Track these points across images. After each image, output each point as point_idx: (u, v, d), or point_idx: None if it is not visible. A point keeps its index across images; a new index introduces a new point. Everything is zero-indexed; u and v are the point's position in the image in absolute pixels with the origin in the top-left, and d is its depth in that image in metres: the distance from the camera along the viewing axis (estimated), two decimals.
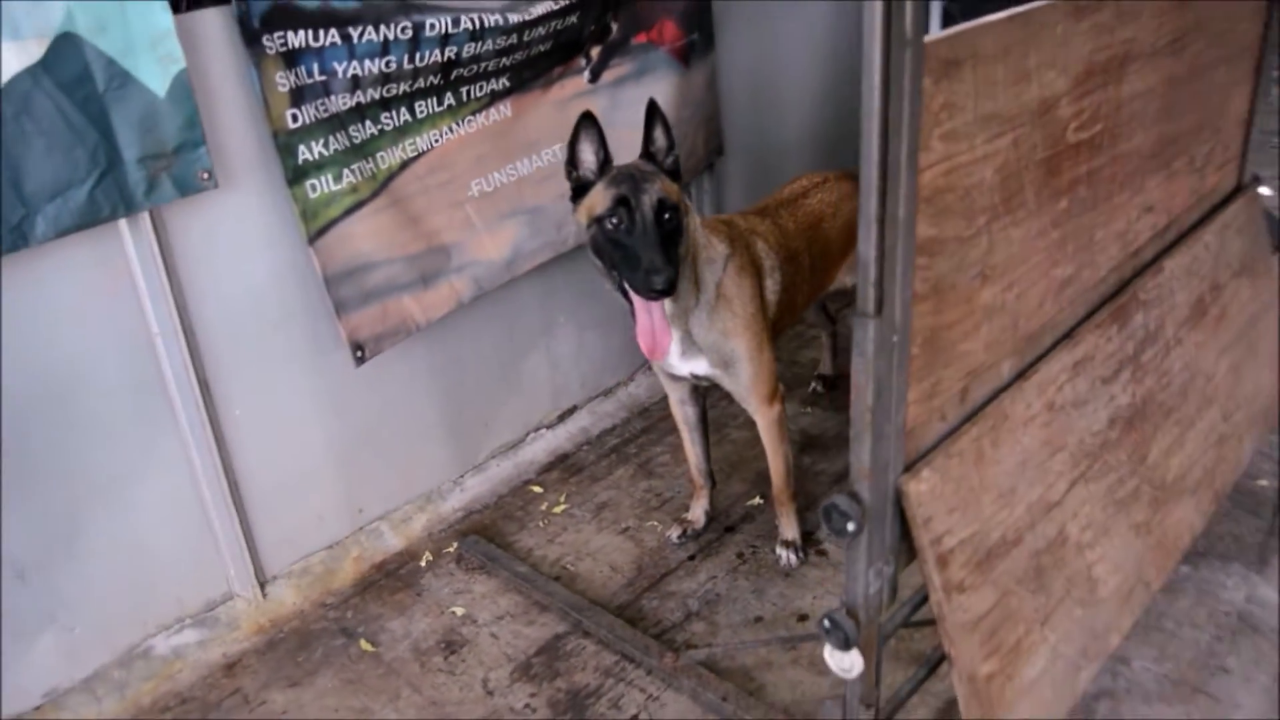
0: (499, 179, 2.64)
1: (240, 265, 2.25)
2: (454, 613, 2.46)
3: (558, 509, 2.84)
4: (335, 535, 2.63)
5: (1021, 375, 1.91)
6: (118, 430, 2.14)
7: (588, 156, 2.17)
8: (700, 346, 2.30)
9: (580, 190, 2.20)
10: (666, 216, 2.11)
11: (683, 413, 2.62)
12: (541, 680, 2.23)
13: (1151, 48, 2.00)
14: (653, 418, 3.27)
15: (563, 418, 3.18)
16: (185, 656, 2.33)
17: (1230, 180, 2.62)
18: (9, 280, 1.90)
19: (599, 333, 3.22)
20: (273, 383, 2.38)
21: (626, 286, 2.13)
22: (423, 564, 2.64)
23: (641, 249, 2.06)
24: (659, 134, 2.19)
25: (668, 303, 2.18)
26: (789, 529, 2.56)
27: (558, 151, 2.76)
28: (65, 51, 1.79)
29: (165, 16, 1.88)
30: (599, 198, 2.14)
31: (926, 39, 1.36)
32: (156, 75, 1.90)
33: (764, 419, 2.42)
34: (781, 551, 2.56)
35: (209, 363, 2.24)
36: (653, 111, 2.18)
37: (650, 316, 2.13)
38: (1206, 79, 2.29)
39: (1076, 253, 1.98)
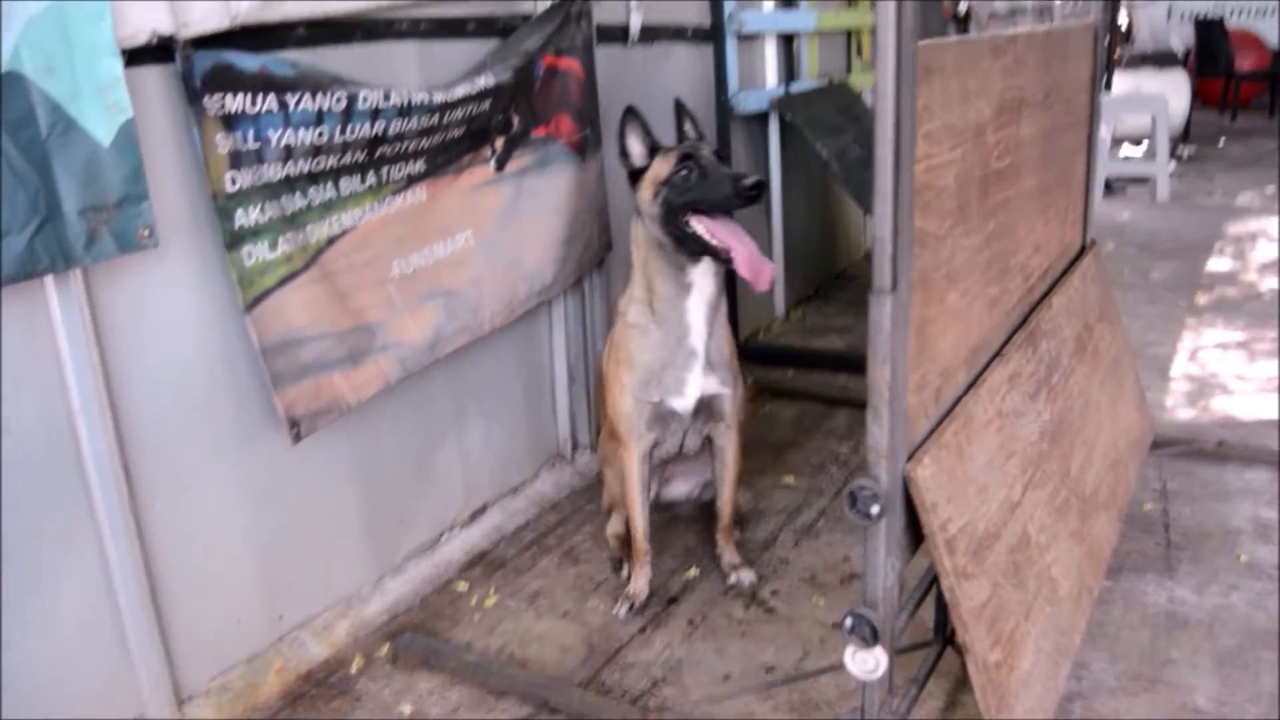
0: (417, 261, 2.62)
1: (168, 337, 2.09)
2: (401, 712, 2.26)
3: (489, 601, 2.69)
4: (255, 646, 2.37)
5: (973, 384, 2.05)
6: (30, 532, 1.88)
7: (636, 147, 2.46)
8: (714, 363, 2.48)
9: (634, 176, 2.45)
10: (724, 161, 2.38)
11: (641, 472, 2.59)
12: None
13: (1034, 99, 2.29)
14: (565, 511, 3.20)
15: (475, 516, 3.06)
16: None
17: (1078, 238, 2.97)
18: None
19: (504, 426, 3.16)
20: (195, 471, 2.18)
21: (707, 238, 2.29)
22: (354, 670, 2.42)
23: (721, 178, 2.30)
24: (688, 125, 2.57)
25: (704, 310, 2.42)
26: (734, 552, 2.72)
27: (469, 237, 2.79)
28: (11, 90, 1.67)
29: (115, 64, 1.80)
30: (662, 166, 2.38)
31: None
32: (102, 124, 1.80)
33: (736, 435, 2.64)
34: (741, 574, 2.69)
35: (131, 447, 2.04)
36: (680, 108, 2.57)
37: (748, 248, 2.29)
38: (1062, 140, 2.63)
39: (999, 275, 2.18)
